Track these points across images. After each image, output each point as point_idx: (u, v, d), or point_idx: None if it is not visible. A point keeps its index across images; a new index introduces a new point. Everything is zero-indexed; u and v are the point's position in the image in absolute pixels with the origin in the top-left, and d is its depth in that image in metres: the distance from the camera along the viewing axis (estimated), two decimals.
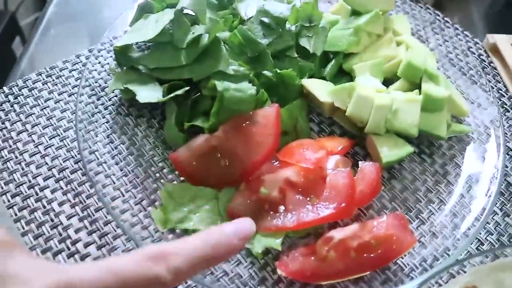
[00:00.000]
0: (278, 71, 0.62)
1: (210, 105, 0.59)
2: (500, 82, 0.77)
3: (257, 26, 0.64)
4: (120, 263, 0.32)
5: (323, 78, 0.67)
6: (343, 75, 0.68)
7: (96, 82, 0.68)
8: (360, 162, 0.59)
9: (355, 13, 0.71)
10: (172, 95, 0.56)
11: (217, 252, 0.37)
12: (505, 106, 0.74)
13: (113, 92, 0.66)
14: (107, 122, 0.65)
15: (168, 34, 0.61)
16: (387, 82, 0.67)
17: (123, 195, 0.58)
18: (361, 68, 0.66)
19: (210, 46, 0.59)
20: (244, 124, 0.57)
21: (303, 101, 0.64)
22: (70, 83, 0.71)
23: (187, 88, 0.57)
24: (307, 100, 0.65)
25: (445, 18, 0.85)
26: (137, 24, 0.65)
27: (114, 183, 0.59)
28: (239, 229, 0.40)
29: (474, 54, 0.80)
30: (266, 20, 0.64)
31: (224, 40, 0.62)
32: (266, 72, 0.61)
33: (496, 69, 0.78)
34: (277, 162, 0.58)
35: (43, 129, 0.66)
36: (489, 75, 0.78)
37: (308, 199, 0.55)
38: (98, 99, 0.67)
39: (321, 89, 0.63)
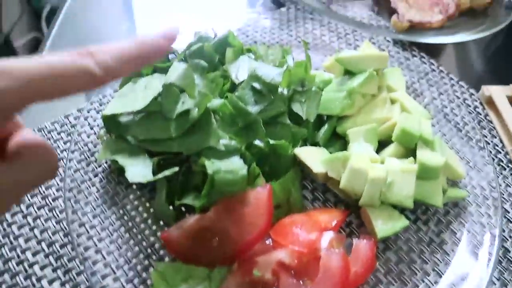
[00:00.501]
0: (270, 141, 0.60)
1: (201, 180, 0.57)
2: (496, 137, 0.76)
3: (248, 92, 0.63)
4: (52, 56, 0.33)
5: (317, 143, 0.65)
6: (337, 138, 0.67)
7: (85, 146, 0.67)
8: (354, 240, 0.58)
9: (349, 71, 0.69)
10: (160, 176, 0.55)
11: (144, 50, 0.38)
12: (501, 163, 0.73)
13: None
14: (97, 191, 0.63)
15: (157, 103, 0.60)
16: (382, 144, 0.66)
17: (114, 273, 0.57)
18: (355, 133, 0.64)
19: (200, 119, 0.58)
20: (236, 205, 0.55)
21: (296, 171, 0.63)
22: (59, 146, 0.70)
23: (176, 169, 0.55)
24: (300, 167, 0.64)
25: (440, 68, 0.83)
26: (126, 89, 0.64)
27: (105, 258, 0.58)
28: (166, 31, 0.40)
29: (470, 106, 0.79)
30: (257, 86, 0.63)
31: (214, 110, 0.61)
32: (258, 143, 0.60)
33: (492, 122, 0.77)
34: (270, 240, 0.57)
35: (31, 198, 0.64)
36: (484, 129, 0.77)
37: (302, 282, 0.54)
38: (87, 165, 0.65)
39: (314, 159, 0.62)
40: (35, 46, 1.81)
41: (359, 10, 0.89)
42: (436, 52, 0.87)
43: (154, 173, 0.57)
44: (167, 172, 0.55)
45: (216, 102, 0.61)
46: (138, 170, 0.57)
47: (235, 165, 0.56)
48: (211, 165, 0.55)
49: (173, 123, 0.59)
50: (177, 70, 0.59)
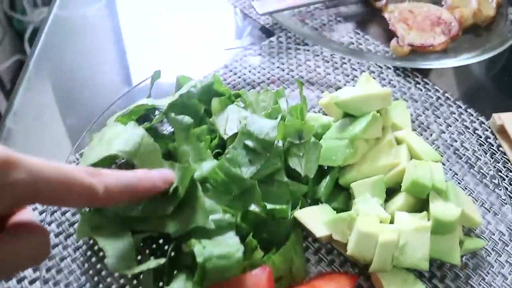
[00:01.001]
0: (268, 206, 0.54)
1: (191, 260, 0.51)
2: (511, 171, 0.70)
3: (241, 152, 0.56)
4: (66, 166, 0.36)
5: (318, 199, 0.59)
6: (340, 190, 0.61)
7: (63, 215, 0.61)
8: None
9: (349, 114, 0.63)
10: (144, 268, 0.49)
11: (143, 185, 0.43)
12: None
13: None
14: (79, 268, 0.57)
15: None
16: (388, 190, 0.60)
17: None
18: (360, 187, 0.59)
19: (185, 194, 0.51)
20: None
21: (297, 234, 0.57)
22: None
23: (162, 261, 0.49)
24: (301, 226, 0.57)
25: (446, 95, 0.77)
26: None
27: None
28: (164, 174, 0.48)
29: (481, 137, 0.73)
30: (250, 144, 0.56)
31: (204, 177, 0.54)
32: (254, 209, 0.54)
33: (505, 154, 0.71)
34: None
35: (6, 282, 0.58)
36: (498, 162, 0.71)
37: None
38: (66, 238, 0.59)
39: (316, 220, 0.56)
40: (19, 68, 1.75)
41: (354, 34, 0.82)
42: (437, 76, 0.80)
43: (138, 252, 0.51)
44: (152, 264, 0.49)
45: (206, 167, 0.55)
46: (120, 256, 0.51)
47: (229, 247, 0.50)
48: (201, 251, 0.48)
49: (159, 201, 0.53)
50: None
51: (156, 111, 0.65)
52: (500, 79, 0.85)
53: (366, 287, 0.57)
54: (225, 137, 0.59)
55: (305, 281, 0.56)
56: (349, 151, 0.59)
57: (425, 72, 0.79)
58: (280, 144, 0.59)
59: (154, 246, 0.57)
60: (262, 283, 0.49)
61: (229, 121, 0.60)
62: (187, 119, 0.59)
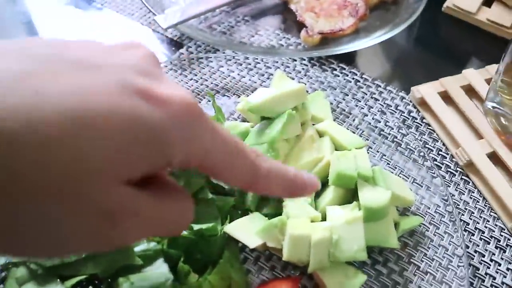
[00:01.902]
0: (195, 227, 0.52)
1: None
2: (437, 141, 0.70)
3: None
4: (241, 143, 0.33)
5: (248, 209, 0.58)
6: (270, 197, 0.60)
7: None
8: None
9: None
10: None
11: (298, 183, 0.38)
12: (449, 169, 0.67)
13: None
14: None
15: None
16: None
17: None
18: None
19: None
20: None
21: (232, 248, 0.55)
22: None
23: None
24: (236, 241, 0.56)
25: (364, 76, 0.77)
26: None
27: None
28: (313, 178, 0.40)
29: (403, 113, 0.73)
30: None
31: None
32: (182, 233, 0.52)
33: (430, 125, 0.71)
34: None
35: None
36: (424, 134, 0.71)
37: None
38: None
39: (248, 231, 0.55)
40: None
41: (264, 31, 0.81)
42: (353, 58, 0.80)
43: None
44: None
45: None
46: None
47: (158, 278, 0.48)
48: (129, 287, 0.47)
49: None
50: None
51: None
52: (415, 52, 0.86)
53: (310, 286, 0.56)
54: None
55: None
56: (269, 155, 0.58)
57: (341, 58, 0.78)
58: None
59: None
60: None
61: None
62: None
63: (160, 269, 0.50)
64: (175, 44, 0.80)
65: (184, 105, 0.29)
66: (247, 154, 0.33)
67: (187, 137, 0.29)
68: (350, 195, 0.59)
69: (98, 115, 0.25)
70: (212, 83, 0.73)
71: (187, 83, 0.72)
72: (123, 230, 0.28)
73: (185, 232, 0.53)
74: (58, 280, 0.51)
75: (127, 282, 0.48)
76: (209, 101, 0.68)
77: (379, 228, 0.56)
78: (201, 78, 0.73)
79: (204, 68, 0.74)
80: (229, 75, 0.74)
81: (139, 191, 0.28)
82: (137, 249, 0.51)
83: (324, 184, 0.60)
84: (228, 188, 0.57)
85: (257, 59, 0.75)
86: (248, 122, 0.66)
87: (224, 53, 0.76)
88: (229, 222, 0.56)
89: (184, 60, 0.74)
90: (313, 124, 0.65)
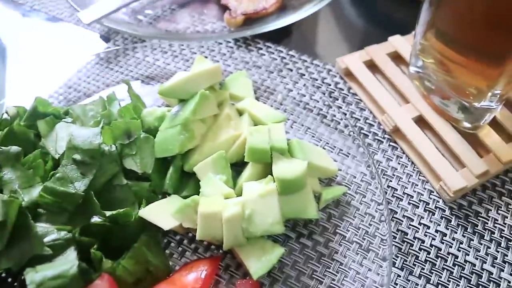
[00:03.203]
0: (107, 213, 0.52)
1: None
2: (364, 110, 0.70)
3: (71, 168, 0.54)
4: None
5: (166, 193, 0.57)
6: (189, 177, 0.59)
7: None
8: None
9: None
10: None
11: None
12: (377, 137, 0.67)
13: None
14: None
15: None
16: (240, 165, 0.59)
17: None
18: (202, 168, 0.57)
19: (16, 226, 0.49)
20: None
21: (151, 233, 0.55)
22: None
23: None
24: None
25: (290, 52, 0.76)
26: None
27: None
28: None
29: (330, 85, 0.72)
30: (78, 157, 0.54)
31: (35, 204, 0.52)
32: (95, 220, 0.52)
33: (356, 95, 0.71)
34: None
35: None
36: (351, 104, 0.70)
37: None
38: None
39: (164, 214, 0.55)
40: None
41: (190, 19, 0.80)
42: (284, 36, 0.79)
43: None
44: None
45: (34, 193, 0.53)
46: None
47: (64, 266, 0.48)
48: (33, 277, 0.47)
49: None
50: None
51: None
52: (342, 24, 0.85)
53: (234, 265, 0.56)
54: (57, 156, 0.56)
55: (167, 277, 0.54)
56: (183, 136, 0.57)
57: (268, 37, 0.78)
58: (114, 148, 0.57)
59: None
60: None
61: (58, 140, 0.58)
62: (14, 148, 0.57)
63: (68, 258, 0.50)
64: (104, 39, 0.80)
65: None
66: None
67: None
68: (268, 170, 0.58)
69: None
70: (137, 73, 0.72)
71: (112, 75, 0.72)
72: None
73: (99, 219, 0.53)
74: None
75: (33, 271, 0.48)
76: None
77: (297, 200, 0.56)
78: (126, 69, 0.73)
79: (129, 60, 0.74)
80: (154, 64, 0.74)
81: None
82: (47, 239, 0.50)
83: (245, 163, 0.59)
84: (143, 173, 0.56)
85: (182, 45, 0.74)
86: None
87: (150, 43, 0.76)
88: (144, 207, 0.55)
89: (110, 52, 0.73)
90: (233, 104, 0.64)
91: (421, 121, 0.65)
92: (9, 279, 0.53)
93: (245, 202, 0.53)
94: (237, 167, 0.59)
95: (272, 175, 0.56)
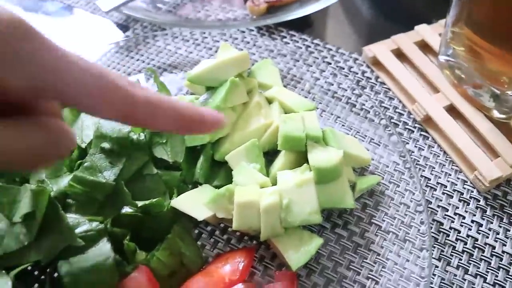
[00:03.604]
0: (139, 203, 0.50)
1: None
2: (393, 99, 0.68)
3: (99, 157, 0.52)
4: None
5: (197, 183, 0.56)
6: (220, 166, 0.57)
7: None
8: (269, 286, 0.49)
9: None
10: None
11: (191, 114, 0.34)
12: (407, 126, 0.65)
13: None
14: None
15: None
16: (272, 154, 0.58)
17: None
18: (234, 157, 0.55)
19: (46, 217, 0.47)
20: None
21: (183, 224, 0.53)
22: None
23: None
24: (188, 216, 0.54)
25: (315, 41, 0.75)
26: None
27: None
28: (215, 114, 0.36)
29: (357, 74, 0.71)
30: (107, 145, 0.52)
31: (64, 193, 0.50)
32: (126, 210, 0.50)
33: (385, 84, 0.69)
34: None
35: None
36: (379, 94, 0.69)
37: None
38: None
39: (196, 204, 0.53)
40: None
41: (210, 7, 0.78)
42: (306, 25, 0.78)
43: None
44: None
45: (63, 183, 0.51)
46: None
47: (99, 258, 0.46)
48: (68, 270, 0.45)
49: (20, 228, 0.48)
50: None
51: None
52: (366, 13, 0.83)
53: (268, 256, 0.54)
54: (84, 145, 0.55)
55: (202, 269, 0.52)
56: None
57: (291, 25, 0.76)
58: (143, 137, 0.55)
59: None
60: (143, 284, 0.45)
61: (84, 129, 0.56)
62: None
63: (102, 249, 0.48)
64: (122, 27, 0.78)
65: (5, 20, 0.26)
66: (117, 81, 0.30)
67: (15, 55, 0.26)
68: (302, 159, 0.56)
69: None
70: (159, 61, 0.71)
71: (133, 64, 0.70)
72: None
73: (130, 210, 0.51)
74: (4, 271, 0.49)
75: (67, 264, 0.46)
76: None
77: (333, 189, 0.54)
78: (147, 57, 0.71)
79: (150, 48, 0.72)
80: (176, 52, 0.72)
81: None
82: (79, 230, 0.49)
83: (276, 151, 0.57)
84: (174, 162, 0.54)
85: (204, 33, 0.73)
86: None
87: (171, 31, 0.74)
88: (177, 197, 0.54)
89: (130, 41, 0.71)
90: (262, 92, 0.62)
91: (452, 110, 0.64)
92: (36, 272, 0.50)
93: (282, 191, 0.51)
94: (268, 156, 0.57)
95: (306, 163, 0.54)
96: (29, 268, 0.50)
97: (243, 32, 0.74)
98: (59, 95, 0.28)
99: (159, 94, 0.33)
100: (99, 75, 0.29)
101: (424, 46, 0.70)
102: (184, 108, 0.33)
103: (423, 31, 0.71)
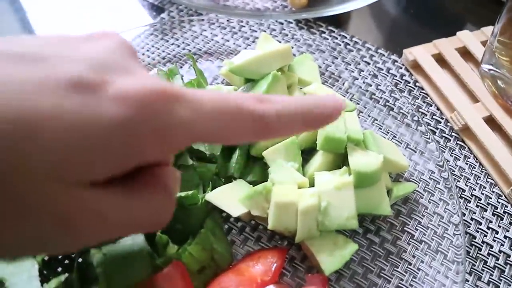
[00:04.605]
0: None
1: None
2: (431, 105, 0.67)
3: None
4: (229, 94, 0.30)
5: (232, 176, 0.54)
6: (255, 161, 0.56)
7: None
8: None
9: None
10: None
11: (321, 109, 0.33)
12: (444, 135, 0.64)
13: None
14: None
15: None
16: (306, 152, 0.57)
17: None
18: (272, 154, 0.54)
19: None
20: None
21: (215, 218, 0.52)
22: None
23: (62, 278, 0.44)
24: (220, 210, 0.53)
25: (354, 39, 0.73)
26: None
27: None
28: (335, 98, 0.35)
29: (396, 76, 0.69)
30: None
31: None
32: None
33: (423, 89, 0.68)
34: None
35: None
36: (417, 99, 0.67)
37: None
38: None
39: (231, 199, 0.52)
40: None
41: None
42: (343, 21, 0.76)
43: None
44: (53, 284, 0.44)
45: None
46: (24, 282, 0.45)
47: (133, 249, 0.45)
48: (101, 260, 0.43)
49: None
50: None
51: None
52: (406, 14, 0.82)
53: (299, 257, 0.53)
54: None
55: (231, 266, 0.51)
56: None
57: (330, 21, 0.75)
58: None
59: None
60: (176, 280, 0.44)
61: None
62: None
63: (135, 240, 0.46)
64: (157, 9, 0.76)
65: (147, 95, 0.25)
66: (244, 107, 0.29)
67: (158, 128, 0.26)
68: (339, 160, 0.55)
69: (38, 115, 0.23)
70: (194, 47, 0.69)
71: (168, 47, 0.68)
72: (81, 232, 0.25)
73: None
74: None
75: (99, 253, 0.45)
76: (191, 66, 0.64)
77: (371, 195, 0.53)
78: (183, 42, 0.69)
79: (186, 33, 0.70)
80: (212, 39, 0.70)
81: (103, 192, 0.26)
82: None
83: (314, 150, 0.56)
84: (210, 154, 0.53)
85: (242, 22, 0.71)
86: (231, 85, 0.62)
87: (207, 16, 0.72)
88: (211, 190, 0.52)
89: (165, 24, 0.70)
90: (301, 88, 0.61)
91: (491, 122, 0.62)
92: (66, 261, 0.49)
93: (321, 192, 0.50)
94: (303, 154, 0.56)
95: (344, 166, 0.53)
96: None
97: (281, 23, 0.72)
98: (195, 141, 0.29)
99: (287, 103, 0.32)
100: (227, 107, 0.29)
101: (465, 53, 0.69)
102: (313, 106, 0.33)
103: (465, 37, 0.70)
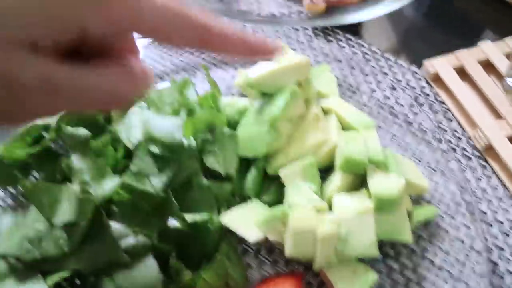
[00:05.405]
0: (187, 217, 0.47)
1: None
2: (451, 120, 0.64)
3: (147, 160, 0.49)
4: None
5: (246, 196, 0.52)
6: (271, 180, 0.54)
7: None
8: None
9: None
10: None
11: (257, 40, 0.35)
12: (465, 153, 0.62)
13: None
14: None
15: None
16: (323, 171, 0.54)
17: None
18: (290, 173, 0.52)
19: (91, 225, 0.44)
20: None
21: (229, 241, 0.50)
22: None
23: None
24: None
25: (372, 49, 0.70)
26: None
27: None
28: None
29: (415, 89, 0.67)
30: (156, 150, 0.48)
31: (108, 199, 0.47)
32: (173, 225, 0.47)
33: (444, 103, 0.65)
34: None
35: None
36: (438, 113, 0.65)
37: None
38: None
39: (247, 222, 0.50)
40: None
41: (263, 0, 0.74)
42: (360, 30, 0.73)
43: None
44: None
45: (107, 187, 0.47)
46: None
47: (146, 278, 0.43)
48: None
49: (62, 235, 0.45)
50: None
51: None
52: (426, 23, 0.79)
53: (316, 283, 0.51)
54: (131, 146, 0.51)
55: None
56: (272, 136, 0.52)
57: (347, 29, 0.72)
58: (193, 142, 0.51)
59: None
60: None
61: (132, 127, 0.52)
62: (82, 131, 0.51)
63: (148, 267, 0.44)
64: None
65: None
66: (192, 13, 0.30)
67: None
68: (358, 181, 0.53)
69: None
70: (208, 55, 0.66)
71: (181, 55, 0.66)
72: (27, 98, 0.26)
73: (177, 224, 0.47)
74: (40, 275, 0.45)
75: (111, 282, 0.42)
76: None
77: (392, 220, 0.50)
78: (196, 50, 0.66)
79: None
80: None
81: (53, 61, 0.26)
82: (124, 243, 0.45)
83: (331, 169, 0.54)
84: (225, 173, 0.51)
85: (257, 28, 0.68)
86: (246, 97, 0.60)
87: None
88: (227, 210, 0.50)
89: None
90: (318, 100, 0.58)
91: None
92: (78, 282, 0.47)
93: (341, 219, 0.48)
94: (320, 172, 0.54)
95: (364, 187, 0.51)
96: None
97: (297, 30, 0.69)
98: (136, 30, 0.29)
99: (228, 24, 0.33)
100: (178, 7, 0.30)
101: (487, 66, 0.66)
102: (249, 34, 0.34)
103: (487, 48, 0.67)
